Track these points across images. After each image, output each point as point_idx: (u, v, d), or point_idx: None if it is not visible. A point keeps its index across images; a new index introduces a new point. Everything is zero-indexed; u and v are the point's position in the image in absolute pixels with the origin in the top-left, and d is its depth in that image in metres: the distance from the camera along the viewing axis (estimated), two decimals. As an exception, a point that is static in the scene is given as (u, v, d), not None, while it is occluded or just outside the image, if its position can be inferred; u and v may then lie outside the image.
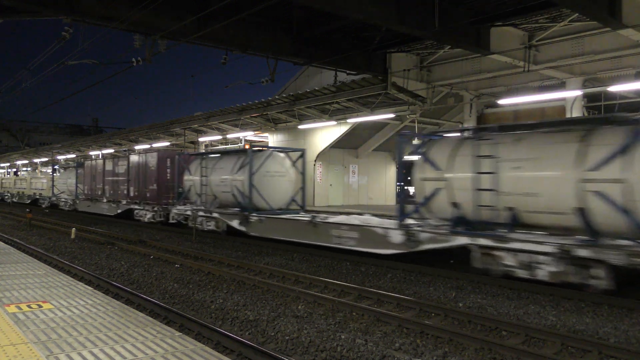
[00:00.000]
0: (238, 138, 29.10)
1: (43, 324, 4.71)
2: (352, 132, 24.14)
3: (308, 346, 6.58)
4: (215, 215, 17.42)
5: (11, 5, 10.85)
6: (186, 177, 20.09)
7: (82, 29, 12.22)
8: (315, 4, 10.91)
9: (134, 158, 23.66)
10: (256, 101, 23.06)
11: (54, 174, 37.41)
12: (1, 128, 76.40)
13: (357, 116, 21.33)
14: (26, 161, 57.64)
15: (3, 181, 53.85)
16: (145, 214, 22.02)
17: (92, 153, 43.01)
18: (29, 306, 5.34)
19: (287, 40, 14.29)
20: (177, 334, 4.50)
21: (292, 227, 14.73)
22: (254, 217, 15.86)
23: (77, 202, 30.59)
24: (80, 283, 6.82)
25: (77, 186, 31.05)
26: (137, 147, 36.22)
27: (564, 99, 18.61)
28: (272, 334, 7.10)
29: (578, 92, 17.11)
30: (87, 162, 29.59)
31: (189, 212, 18.84)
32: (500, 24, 13.91)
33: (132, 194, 23.56)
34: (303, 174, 18.10)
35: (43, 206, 37.12)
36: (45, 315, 5.01)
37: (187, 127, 29.22)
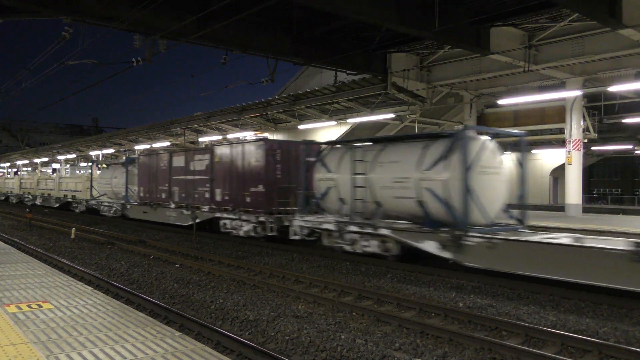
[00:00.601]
0: (238, 138, 29.11)
1: (43, 324, 4.71)
2: (352, 132, 24.16)
3: (308, 346, 6.58)
4: (384, 232, 11.99)
5: (11, 5, 10.85)
6: (319, 174, 14.37)
7: (82, 29, 12.23)
8: (315, 4, 10.92)
9: (222, 151, 17.90)
10: (256, 101, 23.09)
11: (92, 173, 31.58)
12: (1, 128, 76.43)
13: (357, 116, 21.33)
14: (26, 161, 57.43)
15: (22, 181, 46.38)
16: (241, 226, 16.53)
17: (93, 153, 42.99)
18: (29, 306, 5.34)
19: (287, 40, 14.29)
20: (177, 334, 4.51)
21: (572, 259, 8.71)
22: (474, 239, 10.12)
23: (128, 207, 24.47)
24: (80, 283, 6.82)
25: (127, 188, 25.13)
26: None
27: (564, 99, 18.63)
28: (272, 334, 7.10)
29: (578, 92, 17.12)
30: (144, 158, 23.71)
31: (329, 226, 13.37)
32: (500, 24, 13.92)
33: (218, 198, 17.84)
34: (524, 168, 12.27)
35: (77, 211, 31.86)
36: (45, 315, 5.01)
37: (187, 127, 29.26)
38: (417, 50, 17.36)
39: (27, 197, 41.81)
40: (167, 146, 33.15)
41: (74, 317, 4.95)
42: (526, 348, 6.43)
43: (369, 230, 12.34)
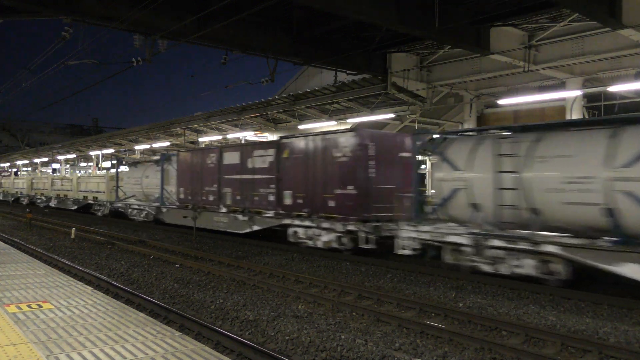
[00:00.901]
0: (238, 138, 29.08)
1: (43, 324, 4.71)
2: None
3: (308, 346, 6.58)
4: (550, 249, 9.30)
5: (11, 5, 10.86)
6: (441, 173, 11.71)
7: (82, 29, 12.23)
8: (315, 4, 10.91)
9: (294, 145, 15.07)
10: (256, 101, 23.07)
11: (118, 171, 27.71)
12: (1, 128, 76.44)
13: (357, 116, 21.33)
14: (26, 161, 57.30)
15: (34, 181, 42.50)
16: (320, 235, 13.85)
17: (92, 153, 42.95)
18: (29, 306, 5.34)
19: (287, 40, 14.29)
20: (177, 334, 4.50)
21: None
22: None
23: (163, 210, 21.42)
24: (80, 283, 6.82)
25: (162, 189, 22.03)
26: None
27: (564, 99, 18.64)
28: (272, 334, 7.11)
29: (578, 92, 17.11)
30: (185, 154, 20.67)
31: (459, 239, 10.70)
32: (500, 24, 13.92)
33: (287, 201, 15.08)
34: None
35: (99, 214, 28.55)
36: (45, 315, 5.01)
37: (187, 127, 29.21)
38: (417, 50, 17.36)
39: (40, 199, 38.50)
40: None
41: (74, 317, 4.95)
42: (526, 348, 6.44)
43: (524, 246, 9.60)
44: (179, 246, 15.94)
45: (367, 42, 15.77)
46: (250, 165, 16.82)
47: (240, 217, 16.71)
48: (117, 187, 26.48)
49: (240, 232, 16.83)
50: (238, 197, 17.25)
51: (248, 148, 17.23)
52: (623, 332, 7.20)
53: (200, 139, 30.97)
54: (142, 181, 24.28)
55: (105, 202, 28.09)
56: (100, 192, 29.54)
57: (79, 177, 34.57)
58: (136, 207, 24.02)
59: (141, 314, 5.22)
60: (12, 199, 43.19)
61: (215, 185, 18.45)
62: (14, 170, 64.11)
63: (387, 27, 13.17)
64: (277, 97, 23.01)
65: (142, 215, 23.51)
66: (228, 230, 17.31)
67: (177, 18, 11.99)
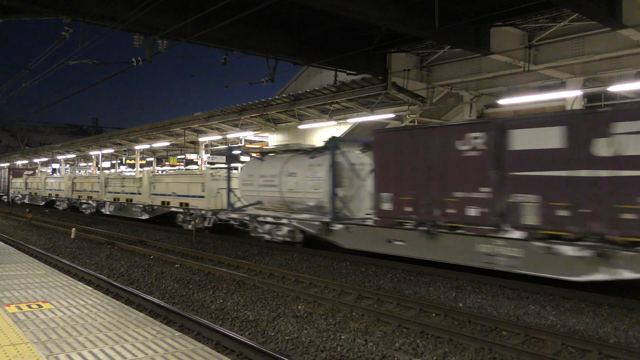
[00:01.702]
0: (238, 138, 29.07)
1: (43, 324, 4.71)
2: (352, 132, 24.14)
3: (308, 346, 6.58)
4: None
5: (11, 5, 10.86)
6: None
7: (82, 29, 12.24)
8: (315, 4, 10.91)
9: None
10: (256, 101, 23.07)
11: (230, 168, 19.51)
12: (1, 128, 76.41)
13: (357, 116, 21.34)
14: (26, 161, 57.21)
15: (75, 182, 34.06)
16: None
17: (92, 153, 42.91)
18: (29, 306, 5.34)
19: (287, 40, 14.30)
20: (177, 334, 4.51)
21: None
22: None
23: (335, 228, 13.61)
24: (80, 283, 6.82)
25: (334, 194, 14.27)
26: None
27: (564, 99, 18.63)
28: (272, 334, 7.11)
29: (578, 92, 17.11)
30: (394, 136, 12.80)
31: None
32: (500, 24, 13.92)
33: None
34: None
35: (189, 227, 19.37)
36: (45, 315, 5.01)
37: (187, 127, 29.21)
38: (417, 50, 17.36)
39: (87, 204, 30.76)
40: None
41: (74, 317, 4.95)
42: (526, 348, 6.44)
43: None
44: (179, 246, 15.94)
45: (367, 42, 15.76)
46: (602, 152, 9.16)
47: (570, 251, 9.16)
48: (229, 189, 18.40)
49: (574, 278, 9.11)
50: (561, 213, 9.63)
51: (595, 118, 9.29)
52: (623, 332, 7.20)
53: (200, 139, 30.99)
54: (280, 181, 16.12)
55: (204, 212, 19.35)
56: (193, 196, 20.67)
57: (154, 176, 25.34)
58: (271, 220, 15.93)
59: (141, 314, 5.22)
60: (44, 202, 37.81)
61: (485, 190, 10.73)
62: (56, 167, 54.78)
63: (387, 27, 13.17)
64: (277, 97, 23.01)
65: (280, 233, 15.63)
66: (522, 271, 9.78)
67: (177, 18, 12.00)
